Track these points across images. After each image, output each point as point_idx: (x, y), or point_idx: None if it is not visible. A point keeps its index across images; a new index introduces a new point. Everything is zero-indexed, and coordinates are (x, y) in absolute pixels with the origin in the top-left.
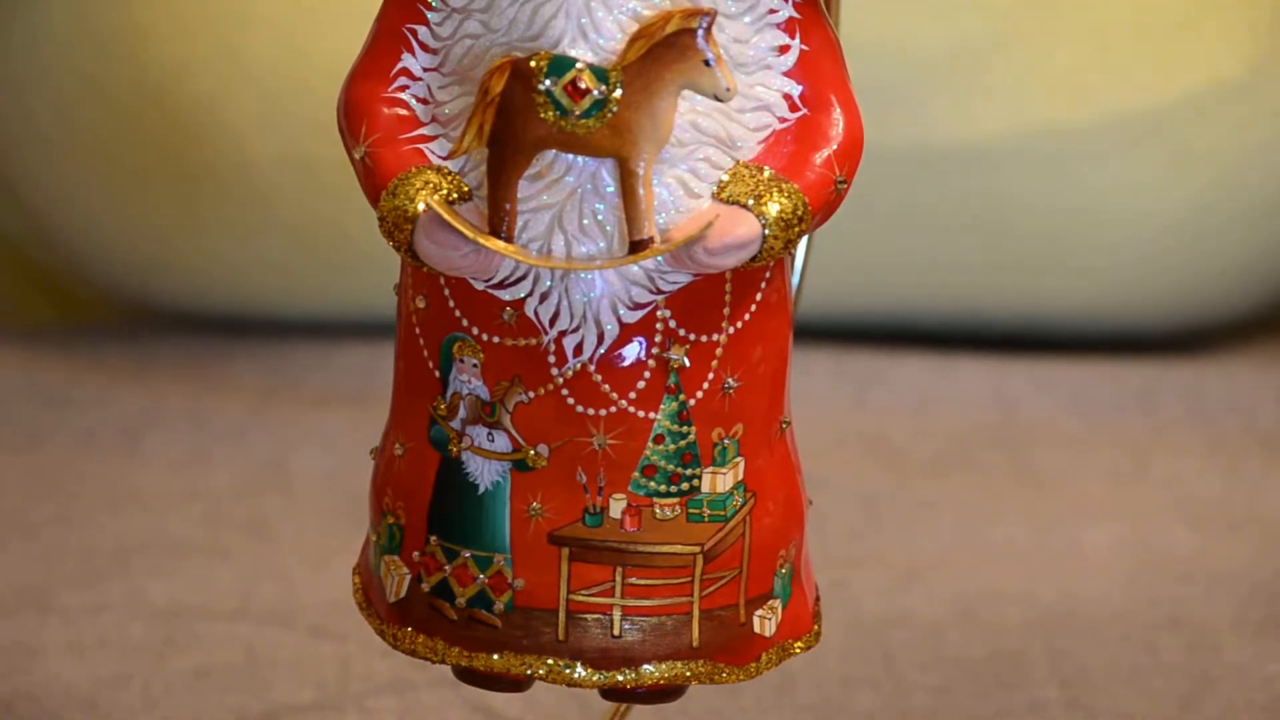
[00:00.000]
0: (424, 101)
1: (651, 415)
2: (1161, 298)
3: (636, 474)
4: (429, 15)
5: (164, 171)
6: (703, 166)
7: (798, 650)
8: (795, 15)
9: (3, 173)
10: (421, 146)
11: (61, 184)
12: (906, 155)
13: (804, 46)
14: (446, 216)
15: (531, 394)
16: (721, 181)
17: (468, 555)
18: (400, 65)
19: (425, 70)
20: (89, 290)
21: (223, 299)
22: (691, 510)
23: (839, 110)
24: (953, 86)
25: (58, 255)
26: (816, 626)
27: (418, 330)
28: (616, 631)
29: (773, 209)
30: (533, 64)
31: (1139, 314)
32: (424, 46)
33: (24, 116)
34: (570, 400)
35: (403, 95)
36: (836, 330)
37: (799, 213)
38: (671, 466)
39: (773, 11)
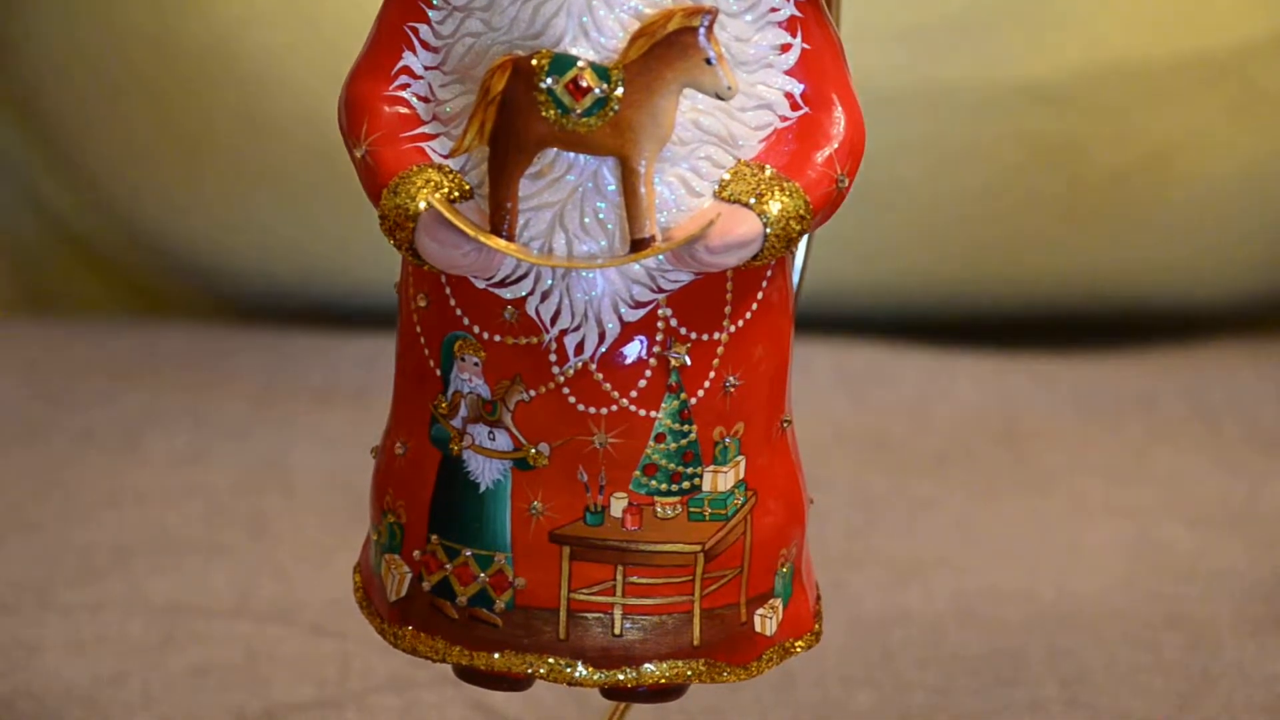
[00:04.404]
0: (425, 100)
1: (653, 414)
2: (1229, 255)
3: (638, 473)
4: (430, 14)
5: (223, 137)
6: (704, 165)
7: (799, 649)
8: (797, 14)
9: (69, 157)
10: (423, 145)
11: (120, 154)
12: (972, 90)
13: (805, 45)
14: (448, 215)
15: (532, 392)
16: (723, 180)
17: (469, 554)
18: (401, 63)
19: (426, 68)
20: (138, 255)
21: (282, 270)
22: (693, 509)
23: (840, 109)
24: (1023, 19)
25: (119, 230)
26: (817, 626)
27: (419, 329)
28: (617, 630)
29: (774, 208)
30: (534, 62)
31: (1204, 277)
32: (425, 45)
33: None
34: (571, 399)
35: (404, 94)
36: (837, 328)
37: (800, 211)
38: (673, 465)
39: (774, 10)
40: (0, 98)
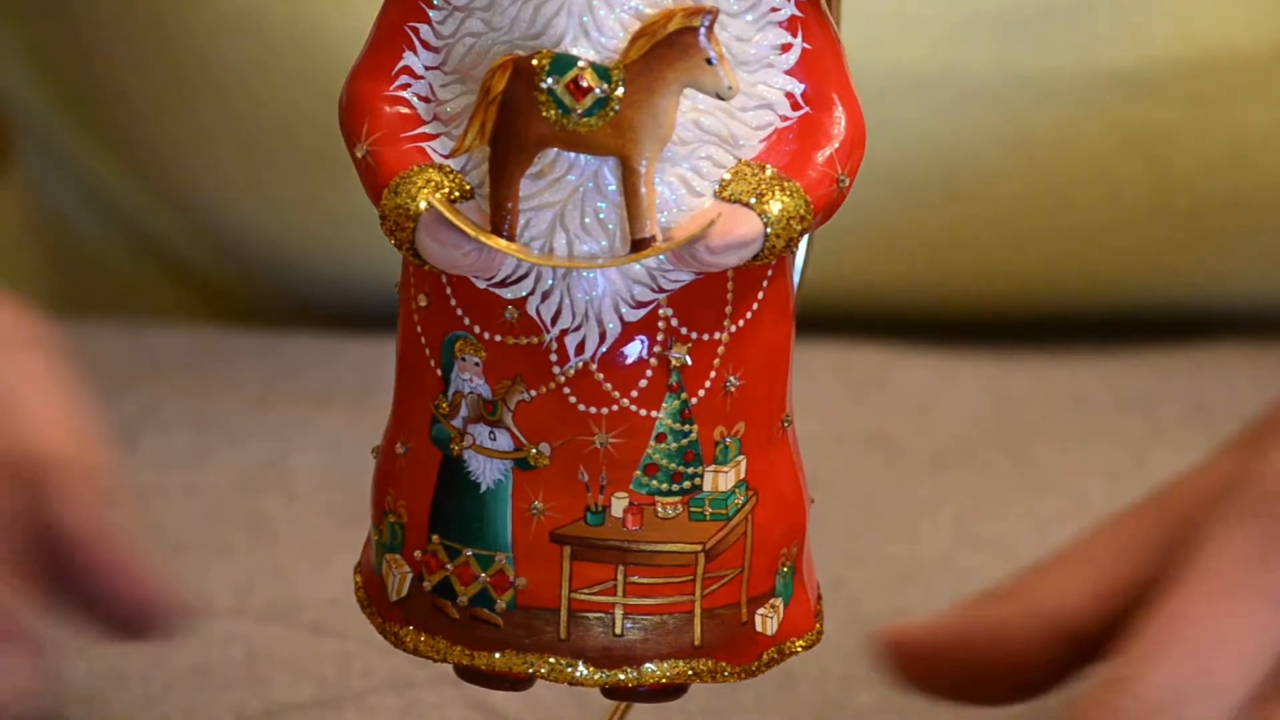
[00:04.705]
0: (426, 100)
1: (653, 414)
2: None
3: (638, 472)
4: (431, 13)
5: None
6: (705, 165)
7: (799, 649)
8: (797, 13)
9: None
10: (423, 145)
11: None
12: (1065, 80)
13: (806, 45)
14: (449, 215)
15: (533, 392)
16: (723, 180)
17: (469, 554)
18: (402, 63)
19: (427, 68)
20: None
21: (363, 266)
22: (693, 509)
23: (841, 109)
24: (1118, 3)
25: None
26: (818, 625)
27: (419, 329)
28: (618, 630)
29: (775, 207)
30: (534, 62)
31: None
32: (426, 45)
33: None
34: (572, 399)
35: (404, 94)
36: (838, 327)
37: (801, 211)
38: (673, 465)
39: (775, 10)
40: (72, 98)
